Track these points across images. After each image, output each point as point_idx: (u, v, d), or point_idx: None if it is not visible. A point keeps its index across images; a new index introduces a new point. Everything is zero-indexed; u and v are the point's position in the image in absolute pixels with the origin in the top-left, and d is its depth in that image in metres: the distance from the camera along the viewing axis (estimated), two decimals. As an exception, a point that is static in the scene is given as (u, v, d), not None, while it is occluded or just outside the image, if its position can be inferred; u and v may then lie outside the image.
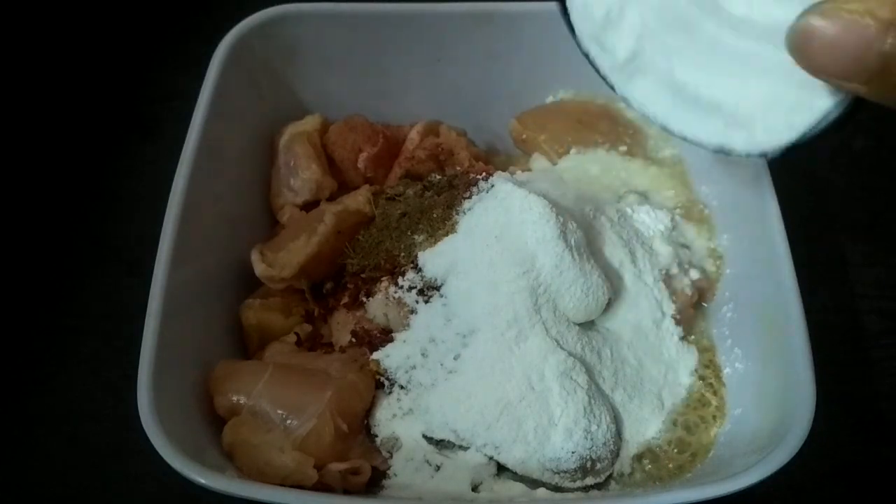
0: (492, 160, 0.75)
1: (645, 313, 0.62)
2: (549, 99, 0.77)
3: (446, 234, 0.61)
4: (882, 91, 0.33)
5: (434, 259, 0.61)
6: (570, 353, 0.57)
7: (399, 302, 0.60)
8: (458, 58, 0.73)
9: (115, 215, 0.79)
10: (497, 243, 0.59)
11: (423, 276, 0.60)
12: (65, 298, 0.74)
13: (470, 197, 0.63)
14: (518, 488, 0.56)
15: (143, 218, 0.60)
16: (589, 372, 0.57)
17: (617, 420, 0.58)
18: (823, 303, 0.58)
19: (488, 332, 0.57)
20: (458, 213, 0.62)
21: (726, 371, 0.61)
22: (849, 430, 0.66)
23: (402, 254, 0.62)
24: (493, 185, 0.63)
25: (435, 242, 0.61)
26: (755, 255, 0.61)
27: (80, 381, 0.69)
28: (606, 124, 0.72)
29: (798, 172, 0.80)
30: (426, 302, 0.60)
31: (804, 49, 0.34)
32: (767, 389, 0.57)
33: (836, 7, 0.32)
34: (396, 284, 0.61)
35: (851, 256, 0.76)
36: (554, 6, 0.59)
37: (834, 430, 0.65)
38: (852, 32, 0.32)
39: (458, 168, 0.71)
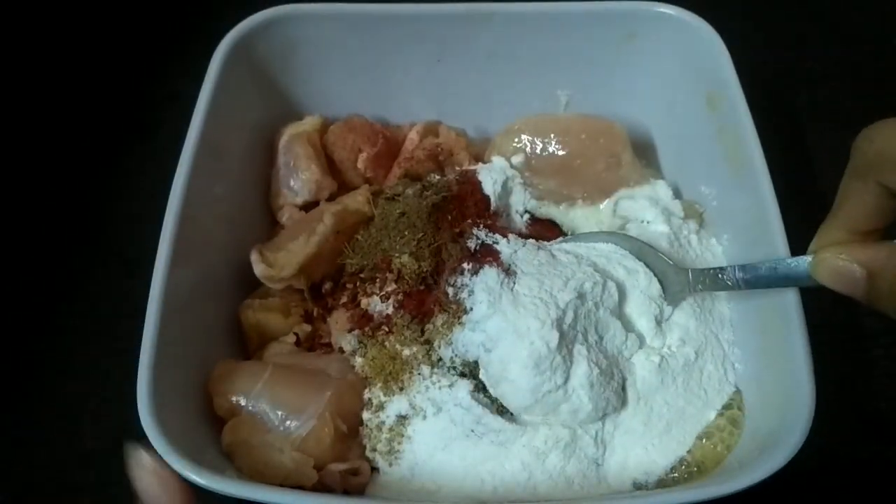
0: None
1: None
2: (550, 99, 0.76)
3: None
4: (872, 302, 0.45)
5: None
6: None
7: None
8: (458, 58, 0.73)
9: (115, 215, 0.79)
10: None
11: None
12: (65, 299, 0.74)
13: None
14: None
15: (143, 218, 0.60)
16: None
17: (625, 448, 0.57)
18: (823, 303, 0.58)
19: None
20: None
21: (726, 371, 0.61)
22: (849, 430, 0.66)
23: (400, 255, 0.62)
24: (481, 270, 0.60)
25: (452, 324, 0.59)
26: (755, 255, 0.61)
27: (80, 381, 0.69)
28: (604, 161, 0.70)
29: (798, 173, 0.79)
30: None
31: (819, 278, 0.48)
32: (767, 389, 0.57)
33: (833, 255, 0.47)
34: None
35: (851, 256, 0.75)
36: (554, 6, 0.59)
37: (834, 430, 0.65)
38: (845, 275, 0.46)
39: (458, 168, 0.71)
